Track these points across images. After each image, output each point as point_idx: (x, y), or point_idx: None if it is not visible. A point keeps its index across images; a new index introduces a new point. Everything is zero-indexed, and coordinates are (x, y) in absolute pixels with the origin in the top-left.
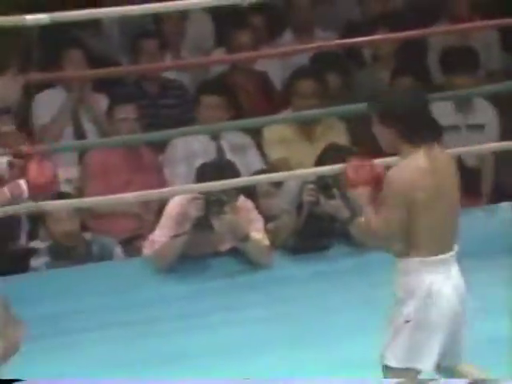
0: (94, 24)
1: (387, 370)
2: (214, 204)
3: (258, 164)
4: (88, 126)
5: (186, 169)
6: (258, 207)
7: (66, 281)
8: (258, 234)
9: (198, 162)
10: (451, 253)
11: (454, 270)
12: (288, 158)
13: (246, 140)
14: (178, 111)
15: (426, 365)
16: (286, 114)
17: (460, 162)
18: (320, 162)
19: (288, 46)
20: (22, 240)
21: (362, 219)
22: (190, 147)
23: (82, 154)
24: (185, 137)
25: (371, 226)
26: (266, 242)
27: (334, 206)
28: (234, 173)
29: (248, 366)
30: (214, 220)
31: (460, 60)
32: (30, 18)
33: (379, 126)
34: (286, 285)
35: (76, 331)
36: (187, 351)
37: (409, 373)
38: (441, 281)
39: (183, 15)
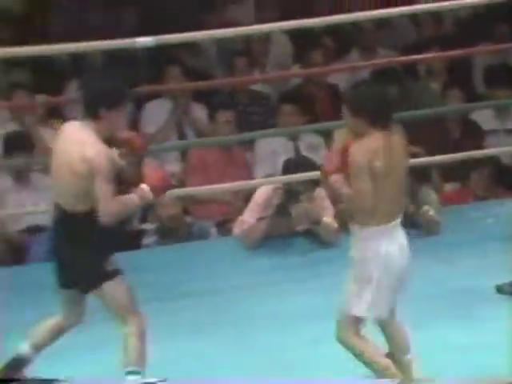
0: (194, 45)
1: (347, 320)
2: (292, 193)
3: None
4: (188, 130)
5: (269, 164)
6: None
7: (170, 256)
8: (328, 218)
9: (279, 159)
10: (399, 219)
11: (401, 233)
12: None
13: (318, 140)
14: (262, 117)
15: (384, 313)
16: None
17: (498, 160)
18: None
19: (354, 62)
20: (136, 223)
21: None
22: (272, 146)
23: (183, 153)
24: (268, 138)
25: (354, 201)
26: (335, 225)
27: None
28: (311, 167)
29: (316, 327)
30: (291, 207)
31: (500, 75)
32: (139, 41)
33: (350, 116)
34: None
35: (179, 296)
36: (266, 314)
37: (362, 320)
38: (394, 244)
39: (267, 37)
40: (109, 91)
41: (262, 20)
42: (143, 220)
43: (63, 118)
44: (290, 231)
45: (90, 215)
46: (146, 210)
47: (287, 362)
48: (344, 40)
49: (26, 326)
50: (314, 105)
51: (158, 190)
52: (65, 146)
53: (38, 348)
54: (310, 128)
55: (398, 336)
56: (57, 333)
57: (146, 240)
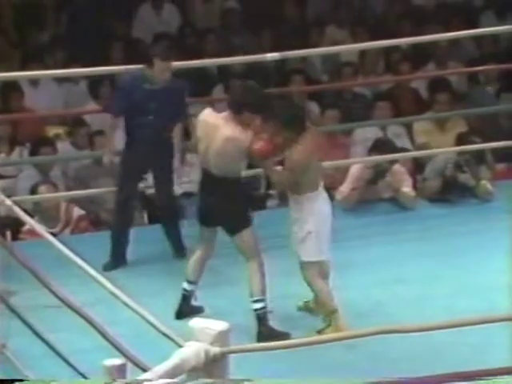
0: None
1: (306, 265)
2: (378, 169)
3: (409, 146)
4: None
5: (363, 148)
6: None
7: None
8: (406, 188)
9: (370, 144)
10: (321, 187)
11: (325, 195)
12: (428, 142)
13: (401, 130)
14: (361, 111)
15: (327, 255)
16: (429, 114)
17: None
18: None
19: (430, 72)
20: (262, 189)
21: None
22: (366, 134)
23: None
24: (364, 128)
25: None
26: (412, 193)
27: (464, 177)
28: (392, 149)
29: (398, 269)
30: (378, 179)
31: None
32: (269, 56)
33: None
34: (425, 219)
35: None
36: (358, 260)
37: (318, 263)
38: (322, 203)
39: (364, 52)
40: (253, 99)
41: (357, 40)
42: (268, 187)
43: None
44: (377, 198)
45: (237, 180)
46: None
47: (375, 297)
48: (423, 54)
49: None
50: (400, 103)
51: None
52: (216, 131)
53: (195, 282)
54: (396, 121)
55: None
56: (202, 265)
57: (270, 203)
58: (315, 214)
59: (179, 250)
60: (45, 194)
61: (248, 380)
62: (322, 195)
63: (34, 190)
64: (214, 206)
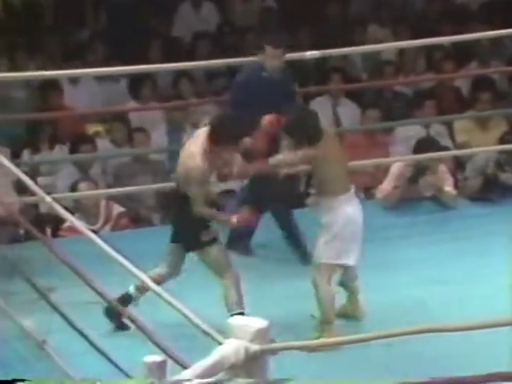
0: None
1: (319, 266)
2: (419, 168)
3: (449, 144)
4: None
5: (404, 146)
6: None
7: None
8: (448, 187)
9: (412, 143)
10: (351, 192)
11: (355, 200)
12: (469, 141)
13: (443, 129)
14: (402, 110)
15: (351, 261)
16: (470, 113)
17: None
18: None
19: (474, 70)
20: (302, 188)
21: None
22: (408, 132)
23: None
24: (405, 126)
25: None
26: (454, 192)
27: (505, 176)
28: (438, 148)
29: (438, 270)
30: (419, 177)
31: None
32: (308, 54)
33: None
34: (466, 219)
35: None
36: (399, 259)
37: (332, 267)
38: (349, 207)
39: (404, 50)
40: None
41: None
42: (307, 185)
43: None
44: (418, 197)
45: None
46: (309, 178)
47: (415, 297)
48: (465, 53)
49: None
50: (442, 101)
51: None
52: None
53: (141, 290)
54: (438, 119)
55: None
56: (157, 280)
57: (309, 201)
58: (339, 217)
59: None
60: (85, 192)
61: (287, 380)
62: (350, 200)
63: (73, 188)
64: (173, 222)
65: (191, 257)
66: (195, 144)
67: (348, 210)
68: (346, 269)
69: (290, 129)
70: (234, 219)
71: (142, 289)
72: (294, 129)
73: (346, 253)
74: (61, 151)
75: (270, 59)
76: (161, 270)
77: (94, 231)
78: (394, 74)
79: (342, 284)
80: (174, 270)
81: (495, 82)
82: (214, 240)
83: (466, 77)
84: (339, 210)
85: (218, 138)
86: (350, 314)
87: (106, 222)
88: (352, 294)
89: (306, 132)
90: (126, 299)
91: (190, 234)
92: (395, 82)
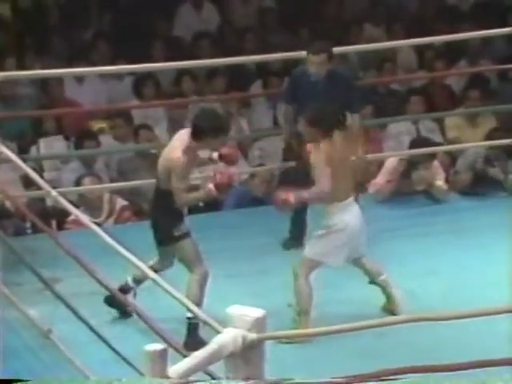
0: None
1: (304, 260)
2: (412, 163)
3: (440, 140)
4: None
5: (396, 141)
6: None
7: None
8: (440, 181)
9: (403, 139)
10: (351, 197)
11: (355, 207)
12: (459, 137)
13: (433, 125)
14: (395, 106)
15: (335, 262)
16: (460, 110)
17: None
18: (486, 140)
19: (462, 69)
20: None
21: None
22: (400, 128)
23: None
24: (397, 122)
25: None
26: (445, 187)
27: (494, 171)
28: (430, 144)
29: (428, 261)
30: (412, 173)
31: None
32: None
33: (306, 126)
34: (456, 212)
35: None
36: (391, 252)
37: (316, 263)
38: (347, 214)
39: (398, 49)
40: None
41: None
42: None
43: None
44: (410, 191)
45: (169, 193)
46: None
47: (407, 288)
48: (456, 52)
49: None
50: (433, 98)
51: (223, 188)
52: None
53: (138, 281)
54: (428, 116)
55: (372, 265)
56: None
57: None
58: (336, 224)
59: (293, 239)
60: (89, 186)
61: (287, 380)
62: (348, 207)
63: (78, 182)
64: (151, 217)
65: None
66: (179, 140)
67: (345, 217)
68: (359, 265)
69: (314, 119)
70: (211, 185)
71: (140, 279)
72: (318, 119)
73: (332, 254)
74: (67, 147)
75: (310, 65)
76: (153, 262)
77: (98, 224)
78: (391, 72)
79: (372, 282)
80: (165, 262)
81: (489, 81)
82: (186, 235)
83: (453, 75)
84: (335, 217)
85: (199, 134)
86: (391, 308)
87: (109, 215)
88: (383, 288)
89: (328, 122)
90: (125, 290)
91: (162, 229)
92: (389, 80)
